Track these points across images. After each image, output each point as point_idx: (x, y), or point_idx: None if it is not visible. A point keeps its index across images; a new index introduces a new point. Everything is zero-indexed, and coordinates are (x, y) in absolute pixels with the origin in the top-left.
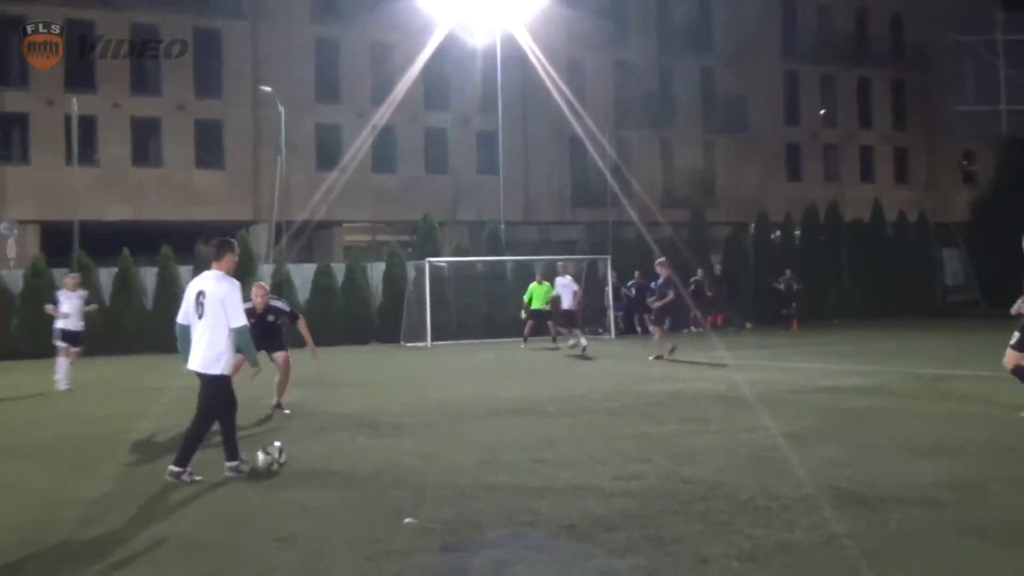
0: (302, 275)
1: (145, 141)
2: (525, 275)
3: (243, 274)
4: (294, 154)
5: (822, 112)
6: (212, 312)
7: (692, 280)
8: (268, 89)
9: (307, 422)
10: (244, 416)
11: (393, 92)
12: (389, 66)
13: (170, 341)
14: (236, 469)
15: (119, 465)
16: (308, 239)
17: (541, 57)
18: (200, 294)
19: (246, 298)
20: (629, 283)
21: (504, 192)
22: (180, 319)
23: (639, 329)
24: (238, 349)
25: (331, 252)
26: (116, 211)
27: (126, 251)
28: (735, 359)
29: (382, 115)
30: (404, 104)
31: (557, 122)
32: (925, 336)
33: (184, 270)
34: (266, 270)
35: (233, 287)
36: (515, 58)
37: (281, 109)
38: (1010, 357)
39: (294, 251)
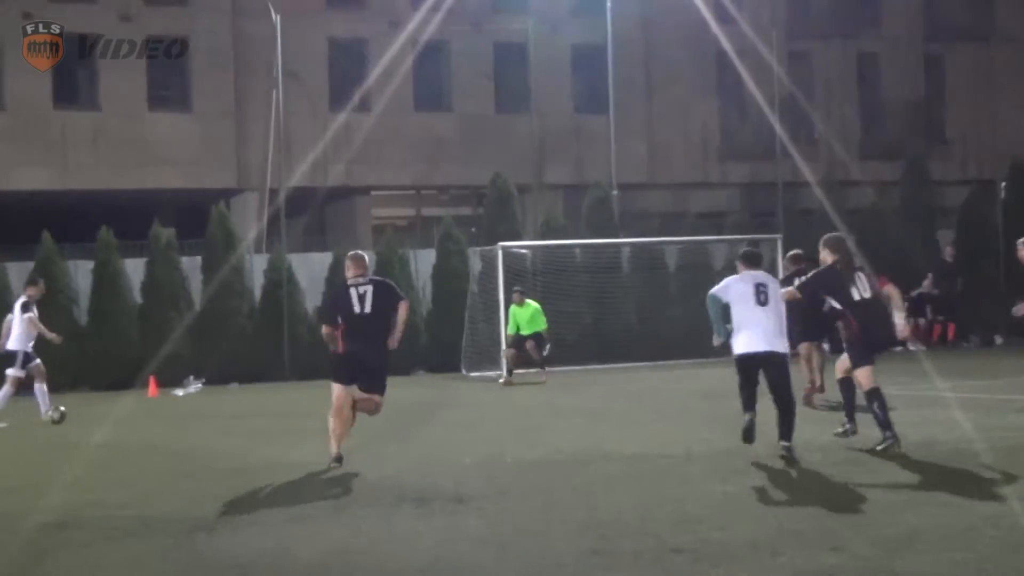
0: (310, 270)
1: (73, 71)
2: (650, 266)
3: (221, 268)
4: (297, 86)
5: None
6: (774, 300)
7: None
8: None
9: (319, 491)
10: None
11: None
12: None
13: (115, 370)
14: (789, 451)
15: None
16: (319, 216)
17: None
18: (762, 285)
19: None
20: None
21: (617, 140)
22: (719, 293)
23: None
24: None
25: (354, 235)
26: (30, 176)
27: (47, 236)
28: (972, 391)
29: (428, 24)
30: (461, 6)
31: (696, 32)
32: None
33: (133, 264)
34: (256, 262)
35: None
36: None
37: (276, 18)
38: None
39: (298, 234)
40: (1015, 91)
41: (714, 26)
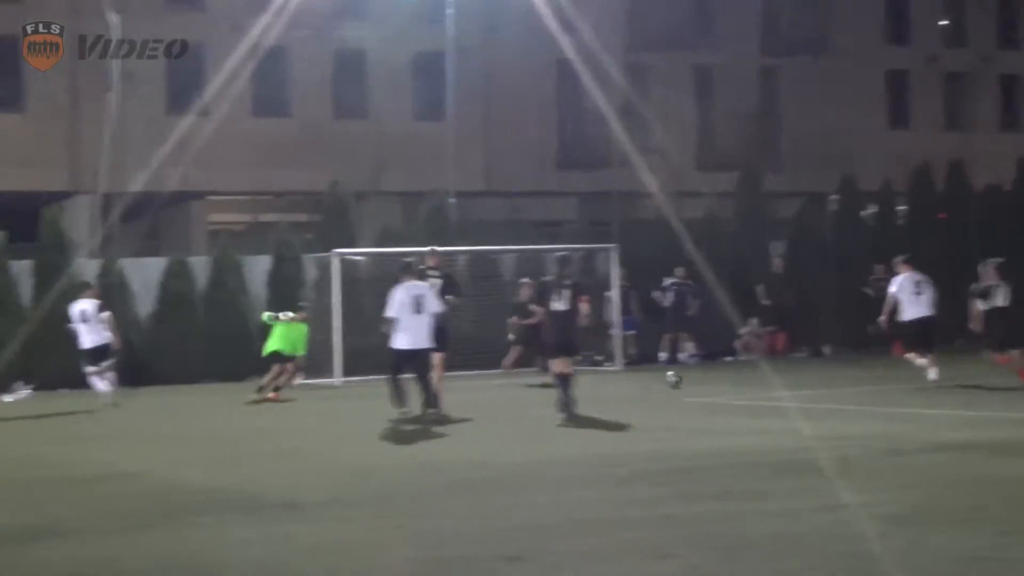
0: (144, 275)
1: None
2: (488, 274)
3: (52, 272)
4: (133, 88)
5: (943, 23)
6: (427, 308)
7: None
8: None
9: (151, 500)
10: None
11: None
12: None
13: None
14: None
15: None
16: (153, 220)
17: None
18: (420, 296)
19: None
20: (667, 282)
21: (456, 147)
22: (393, 313)
23: (682, 354)
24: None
25: (187, 240)
26: None
27: None
28: (802, 401)
29: (268, 28)
30: (303, 12)
31: (537, 39)
32: None
33: None
34: (89, 268)
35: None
36: None
37: (115, 18)
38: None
39: (132, 238)
40: (847, 105)
41: (556, 36)
